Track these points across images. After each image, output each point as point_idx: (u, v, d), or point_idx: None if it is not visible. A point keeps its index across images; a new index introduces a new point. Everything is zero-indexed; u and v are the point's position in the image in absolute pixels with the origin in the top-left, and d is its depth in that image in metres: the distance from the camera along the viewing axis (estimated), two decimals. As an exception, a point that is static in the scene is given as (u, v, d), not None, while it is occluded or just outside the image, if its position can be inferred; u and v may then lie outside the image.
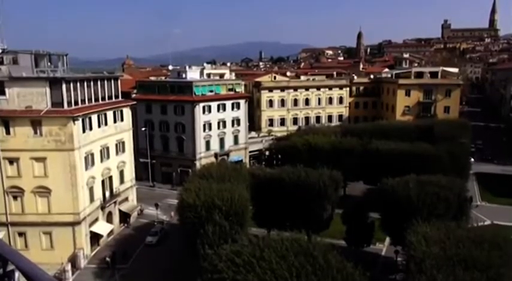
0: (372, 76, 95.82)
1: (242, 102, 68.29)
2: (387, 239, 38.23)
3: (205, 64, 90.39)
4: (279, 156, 52.30)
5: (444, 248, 22.47)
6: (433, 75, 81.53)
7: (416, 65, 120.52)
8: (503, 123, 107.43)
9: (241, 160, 65.26)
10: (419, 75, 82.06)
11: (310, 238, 26.25)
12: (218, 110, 64.48)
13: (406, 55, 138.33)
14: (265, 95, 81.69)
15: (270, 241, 23.35)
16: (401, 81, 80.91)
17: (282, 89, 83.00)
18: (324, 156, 47.23)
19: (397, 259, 34.34)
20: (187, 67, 69.84)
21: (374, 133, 55.52)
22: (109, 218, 45.25)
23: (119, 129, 46.83)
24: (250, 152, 70.41)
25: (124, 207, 48.09)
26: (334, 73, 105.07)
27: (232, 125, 66.97)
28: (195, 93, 61.86)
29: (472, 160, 60.57)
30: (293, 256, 21.19)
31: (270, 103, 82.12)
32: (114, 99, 46.83)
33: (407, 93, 79.45)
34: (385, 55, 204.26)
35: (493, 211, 47.88)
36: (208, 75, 72.25)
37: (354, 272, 20.32)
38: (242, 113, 68.23)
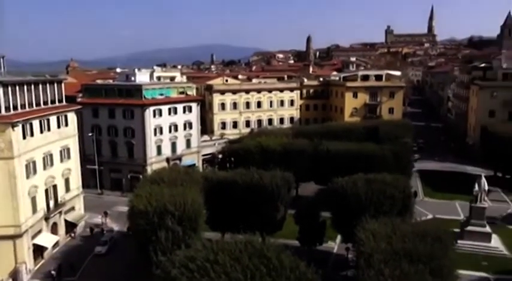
0: (321, 79, 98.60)
1: (194, 105, 67.59)
2: (338, 237, 39.37)
3: (155, 67, 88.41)
4: (232, 159, 52.30)
5: (391, 243, 23.52)
6: (378, 78, 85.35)
7: (362, 68, 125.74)
8: (441, 123, 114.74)
9: (194, 164, 64.52)
10: (366, 78, 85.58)
11: (264, 240, 26.43)
12: (169, 113, 63.33)
13: (353, 59, 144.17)
14: (217, 98, 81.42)
15: (224, 245, 23.28)
16: (348, 84, 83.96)
17: (234, 91, 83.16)
18: (276, 158, 47.86)
19: (348, 255, 35.47)
20: (136, 70, 67.99)
21: (324, 134, 57.18)
22: (54, 229, 42.87)
23: (64, 135, 44.60)
24: (203, 155, 69.80)
25: (70, 217, 45.80)
26: (285, 76, 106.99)
27: (184, 129, 66.05)
28: (144, 97, 60.36)
29: (416, 156, 64.20)
30: (247, 258, 21.26)
31: (222, 106, 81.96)
32: (57, 104, 44.57)
33: (355, 96, 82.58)
34: (334, 59, 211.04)
35: (435, 205, 50.85)
36: (159, 78, 70.80)
37: (306, 271, 20.75)
38: (194, 116, 67.51)
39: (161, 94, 63.52)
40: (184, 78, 79.50)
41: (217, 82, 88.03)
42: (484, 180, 40.60)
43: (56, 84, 44.76)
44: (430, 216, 46.57)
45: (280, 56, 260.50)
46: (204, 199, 32.31)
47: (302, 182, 52.50)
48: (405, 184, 35.56)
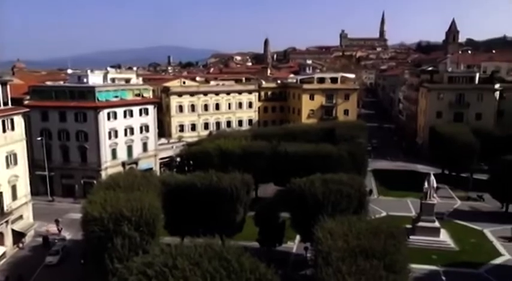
0: (279, 81, 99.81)
1: (150, 107, 66.18)
2: (297, 237, 39.95)
3: (109, 68, 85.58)
4: (191, 162, 51.68)
5: (347, 240, 24.16)
6: (334, 80, 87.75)
7: (318, 71, 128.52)
8: (393, 124, 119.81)
9: (151, 168, 63.12)
10: (322, 80, 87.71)
11: (223, 242, 26.30)
12: (125, 116, 61.58)
13: (309, 62, 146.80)
14: (174, 100, 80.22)
15: (183, 249, 22.89)
16: (305, 86, 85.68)
17: (192, 94, 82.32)
18: (235, 160, 47.88)
19: (307, 254, 36.07)
20: (89, 71, 65.48)
21: (282, 136, 57.98)
22: (0, 240, 40.31)
23: (9, 140, 42.11)
24: (160, 159, 68.45)
25: (18, 226, 43.22)
26: (243, 78, 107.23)
27: (141, 132, 64.48)
28: (98, 99, 58.30)
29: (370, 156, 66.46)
30: (207, 261, 21.05)
31: (180, 108, 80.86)
32: (2, 107, 42.05)
33: (311, 98, 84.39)
34: (291, 61, 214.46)
35: (388, 203, 52.89)
36: (113, 80, 68.57)
37: (266, 272, 20.85)
38: (151, 119, 66.09)
39: (116, 96, 61.65)
40: (140, 80, 77.64)
41: (174, 84, 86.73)
42: (432, 178, 42.76)
43: (0, 86, 42.25)
44: (384, 213, 48.39)
45: (238, 58, 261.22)
46: (162, 203, 31.66)
47: (261, 184, 52.86)
48: (360, 183, 36.74)
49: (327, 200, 32.64)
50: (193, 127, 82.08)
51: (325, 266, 21.61)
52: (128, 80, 71.65)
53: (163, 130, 79.17)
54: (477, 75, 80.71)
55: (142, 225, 27.22)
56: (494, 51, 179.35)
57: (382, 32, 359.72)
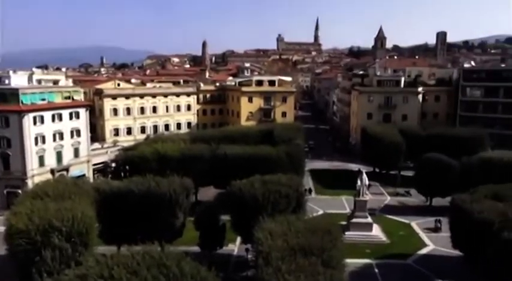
0: (217, 84, 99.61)
1: (82, 111, 62.75)
2: (238, 239, 40.12)
3: (34, 69, 79.72)
4: (127, 167, 49.84)
5: (287, 240, 24.73)
6: (271, 83, 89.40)
7: (256, 73, 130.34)
8: (328, 125, 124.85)
9: (84, 175, 59.84)
10: (260, 83, 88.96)
11: (163, 249, 25.67)
12: (53, 120, 57.78)
13: (247, 64, 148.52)
14: (108, 103, 76.85)
15: (119, 258, 21.99)
16: (244, 89, 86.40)
17: (127, 96, 79.44)
18: (174, 164, 46.96)
19: (248, 256, 36.29)
20: (11, 72, 60.58)
21: (222, 139, 57.90)
22: None
23: None
24: (94, 165, 65.07)
25: None
26: (181, 80, 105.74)
27: (72, 137, 60.85)
28: (22, 102, 54.10)
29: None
30: (145, 269, 20.42)
31: (115, 111, 77.63)
32: None
33: (250, 100, 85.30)
34: (229, 64, 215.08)
35: (324, 201, 54.91)
36: (39, 81, 63.91)
37: (207, 276, 20.72)
38: (83, 123, 62.68)
39: (43, 99, 57.64)
40: (70, 82, 73.14)
41: (108, 86, 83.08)
42: (365, 176, 45.20)
43: None
44: (320, 212, 50.15)
45: (176, 60, 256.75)
46: (97, 212, 30.22)
47: (201, 187, 52.32)
48: (298, 183, 37.79)
49: (266, 200, 33.15)
50: (129, 131, 79.20)
51: (266, 266, 21.92)
52: (56, 82, 67.19)
53: (96, 134, 75.52)
54: (402, 79, 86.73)
55: (74, 235, 25.76)
56: (417, 57, 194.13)
57: (316, 37, 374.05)
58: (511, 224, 27.76)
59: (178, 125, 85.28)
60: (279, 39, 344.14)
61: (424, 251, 40.88)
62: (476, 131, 64.12)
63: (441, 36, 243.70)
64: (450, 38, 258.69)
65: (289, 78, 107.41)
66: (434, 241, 42.61)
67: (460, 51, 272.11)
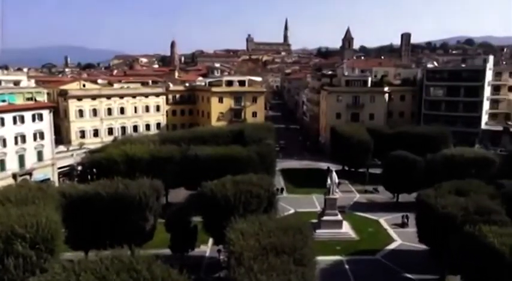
0: (187, 84, 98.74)
1: (45, 113, 60.61)
2: (210, 240, 39.89)
3: (-7, 69, 76.40)
4: (94, 170, 48.47)
5: (259, 239, 24.79)
6: (241, 83, 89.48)
7: (226, 74, 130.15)
8: (299, 125, 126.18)
9: (49, 179, 57.84)
10: (230, 83, 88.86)
11: (132, 252, 25.15)
12: (14, 122, 55.55)
13: (217, 65, 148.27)
14: (73, 105, 74.56)
15: (87, 264, 21.36)
16: (214, 89, 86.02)
17: (94, 97, 77.35)
18: (143, 166, 46.14)
19: (220, 257, 36.15)
20: (-33, 72, 57.79)
21: (192, 139, 57.35)
22: None
23: None
24: (59, 168, 62.98)
25: None
26: (150, 81, 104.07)
27: (35, 140, 58.67)
28: (-19, 104, 51.73)
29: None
30: (114, 274, 19.92)
31: (80, 113, 75.40)
32: None
33: (220, 100, 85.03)
34: (199, 64, 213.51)
35: (295, 200, 55.43)
36: (-1, 82, 61.36)
37: (179, 278, 20.46)
38: (46, 125, 60.54)
39: (3, 100, 55.34)
40: (32, 83, 70.48)
41: (73, 87, 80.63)
42: (334, 174, 45.93)
43: None
44: (292, 210, 50.60)
45: (144, 60, 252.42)
46: (63, 217, 29.17)
47: (172, 189, 51.69)
48: (270, 182, 37.94)
49: (238, 201, 33.10)
50: (96, 133, 77.13)
51: (238, 267, 21.89)
52: (17, 83, 64.58)
53: (61, 137, 73.13)
54: (369, 79, 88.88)
55: (39, 242, 24.75)
56: (383, 57, 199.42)
57: (285, 37, 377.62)
58: (472, 218, 28.96)
59: (148, 126, 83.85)
60: (249, 39, 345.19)
61: (392, 246, 42.04)
62: (439, 129, 66.51)
63: (405, 37, 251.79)
64: (414, 39, 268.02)
65: (259, 79, 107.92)
66: (401, 236, 43.88)
67: (424, 52, 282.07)
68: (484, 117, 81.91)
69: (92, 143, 72.37)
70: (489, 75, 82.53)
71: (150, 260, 21.57)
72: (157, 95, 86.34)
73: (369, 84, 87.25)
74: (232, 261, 23.11)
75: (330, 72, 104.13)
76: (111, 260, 21.34)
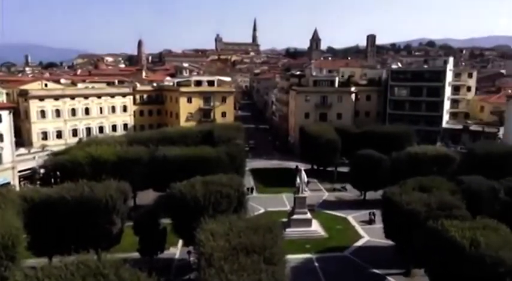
0: (155, 84, 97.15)
1: (5, 113, 57.84)
2: (180, 242, 39.43)
3: None
4: (58, 173, 46.82)
5: (229, 239, 24.76)
6: (210, 83, 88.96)
7: (195, 74, 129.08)
8: (268, 125, 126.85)
9: (9, 182, 55.19)
10: (199, 83, 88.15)
11: (99, 257, 24.51)
12: (-29, 124, 52.76)
13: (185, 64, 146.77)
14: (35, 105, 71.67)
15: (51, 270, 20.63)
16: (182, 89, 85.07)
17: (56, 97, 74.67)
18: (109, 168, 45.00)
19: (190, 258, 35.83)
20: None
21: (160, 140, 56.50)
22: None
23: None
24: (20, 171, 60.24)
25: None
26: (116, 81, 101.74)
27: (-7, 142, 55.96)
28: None
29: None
30: (80, 279, 19.39)
31: (42, 114, 72.55)
32: None
33: (189, 101, 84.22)
34: (166, 64, 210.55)
35: (265, 200, 55.66)
36: (-47, 81, 58.20)
37: (148, 282, 20.13)
38: (5, 126, 57.76)
39: (-42, 101, 52.40)
40: (-11, 82, 67.38)
41: (34, 87, 77.51)
42: (303, 173, 46.51)
43: None
44: (262, 210, 50.79)
45: (110, 59, 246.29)
46: (25, 222, 28.05)
47: (140, 191, 50.68)
48: (239, 182, 37.94)
49: (207, 201, 32.95)
50: (59, 134, 74.48)
51: (208, 268, 21.77)
52: (-27, 82, 61.54)
53: (22, 139, 70.14)
54: (337, 79, 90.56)
55: (-2, 249, 23.68)
56: (349, 58, 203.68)
57: (254, 38, 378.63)
58: (435, 213, 30.09)
59: (114, 127, 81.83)
60: (218, 39, 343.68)
61: (359, 243, 43.01)
62: (403, 128, 68.66)
63: (371, 38, 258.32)
64: (379, 41, 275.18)
65: (228, 79, 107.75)
66: (368, 233, 44.98)
67: (388, 53, 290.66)
68: (445, 117, 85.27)
69: (55, 145, 69.84)
70: (449, 76, 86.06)
71: (117, 264, 21.11)
72: (124, 95, 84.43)
73: (336, 85, 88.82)
74: (203, 262, 22.97)
75: (298, 73, 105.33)
76: (76, 265, 20.73)
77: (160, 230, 36.13)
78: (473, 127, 79.37)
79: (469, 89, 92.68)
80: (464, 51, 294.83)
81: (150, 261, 34.49)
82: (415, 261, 32.75)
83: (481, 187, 37.85)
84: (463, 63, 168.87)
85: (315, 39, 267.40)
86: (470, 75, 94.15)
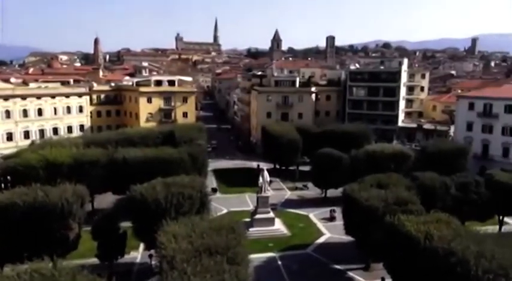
0: (113, 84, 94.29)
1: None
2: (141, 246, 38.55)
3: None
4: (8, 178, 44.31)
5: (191, 241, 24.48)
6: (171, 83, 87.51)
7: (155, 73, 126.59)
8: (230, 125, 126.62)
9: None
10: (159, 83, 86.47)
11: (55, 264, 23.44)
12: None
13: (145, 64, 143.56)
14: (-18, 106, 67.49)
15: (2, 280, 19.57)
16: (142, 89, 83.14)
17: (6, 98, 70.62)
18: (65, 171, 43.24)
19: (151, 262, 35.12)
20: None
21: (120, 142, 54.93)
22: None
23: None
24: (-34, 176, 56.56)
25: None
26: (71, 80, 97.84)
27: None
28: None
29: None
30: (34, 289, 18.47)
31: (-9, 115, 68.50)
32: None
33: (149, 101, 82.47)
34: (125, 63, 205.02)
35: (228, 200, 55.60)
36: None
37: (107, 288, 19.52)
38: (-51, 128, 54.14)
39: None
40: None
41: (-19, 86, 73.00)
42: (266, 173, 46.82)
43: None
44: (225, 210, 50.67)
45: (64, 57, 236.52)
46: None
47: (98, 194, 49.03)
48: (202, 183, 37.59)
49: (169, 203, 32.41)
50: (10, 136, 70.53)
51: (171, 271, 21.43)
52: None
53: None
54: (298, 79, 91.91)
55: None
56: (310, 58, 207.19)
57: (215, 37, 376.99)
58: (392, 208, 31.24)
59: (69, 129, 78.64)
60: (178, 38, 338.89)
61: (321, 240, 43.91)
62: (361, 127, 70.65)
63: (330, 40, 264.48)
64: (338, 42, 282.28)
65: (189, 78, 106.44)
66: (330, 230, 46.00)
67: (347, 54, 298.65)
68: (401, 116, 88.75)
69: (5, 148, 66.14)
70: (404, 76, 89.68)
71: (74, 271, 20.38)
72: (79, 95, 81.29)
73: (297, 85, 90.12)
74: (165, 265, 22.56)
75: (259, 73, 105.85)
76: (30, 274, 19.79)
77: (120, 234, 35.12)
78: (426, 126, 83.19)
79: (422, 89, 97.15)
80: (417, 53, 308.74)
81: (109, 266, 33.51)
82: (374, 255, 33.87)
83: (434, 182, 39.81)
84: (417, 65, 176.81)
85: (276, 40, 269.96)
86: (423, 76, 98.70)
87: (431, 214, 29.30)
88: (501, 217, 44.83)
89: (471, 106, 69.70)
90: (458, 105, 73.39)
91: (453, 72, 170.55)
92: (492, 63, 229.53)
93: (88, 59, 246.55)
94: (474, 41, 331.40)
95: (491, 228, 41.00)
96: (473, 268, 21.16)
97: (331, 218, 48.95)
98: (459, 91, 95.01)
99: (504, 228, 44.89)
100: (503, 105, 65.38)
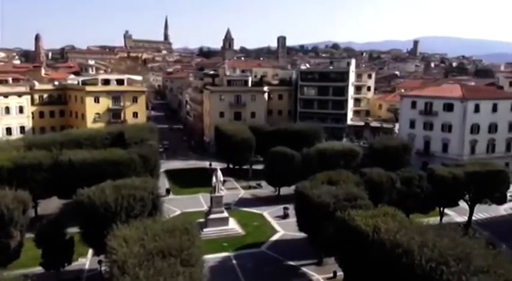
0: (56, 83, 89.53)
1: None
2: (90, 252, 37.02)
3: None
4: None
5: (143, 244, 23.86)
6: (120, 82, 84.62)
7: (102, 72, 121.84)
8: (182, 125, 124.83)
9: None
10: (107, 82, 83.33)
11: (-6, 275, 21.92)
12: None
13: (91, 62, 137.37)
14: None
15: None
16: (88, 88, 79.71)
17: None
18: (5, 175, 40.45)
19: (101, 268, 33.79)
20: None
21: (65, 143, 52.33)
22: None
23: None
24: None
25: None
26: (10, 79, 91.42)
27: None
28: None
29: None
30: (-30, 303, 17.16)
31: None
32: None
33: (96, 100, 79.27)
34: (70, 61, 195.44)
35: (182, 201, 54.81)
36: None
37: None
38: None
39: None
40: None
41: None
42: (219, 172, 46.64)
43: None
44: (178, 212, 49.88)
45: (2, 54, 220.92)
46: None
47: (42, 199, 46.41)
48: (154, 185, 36.68)
49: (119, 206, 31.36)
50: None
51: (122, 276, 20.77)
52: None
53: None
54: (250, 79, 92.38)
55: None
56: (262, 58, 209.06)
57: (166, 36, 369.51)
58: (342, 204, 32.33)
59: (9, 130, 73.81)
60: (127, 36, 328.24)
61: (275, 237, 44.50)
62: (313, 125, 72.43)
63: (281, 40, 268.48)
64: (289, 42, 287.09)
65: (139, 77, 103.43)
66: (283, 227, 46.72)
67: (298, 54, 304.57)
68: (349, 114, 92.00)
69: None
70: (352, 76, 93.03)
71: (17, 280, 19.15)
72: (19, 94, 76.47)
73: (250, 84, 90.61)
74: (115, 270, 21.81)
75: (212, 72, 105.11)
76: (-36, 287, 18.32)
77: (67, 240, 33.48)
78: (373, 124, 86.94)
79: (369, 88, 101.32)
80: (364, 54, 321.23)
81: (56, 274, 31.90)
82: (326, 250, 34.86)
83: (381, 178, 41.65)
84: (364, 65, 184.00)
85: (228, 39, 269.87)
86: (369, 76, 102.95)
87: (378, 208, 30.57)
88: (442, 209, 47.86)
89: (413, 105, 73.56)
90: (402, 104, 77.24)
91: (397, 72, 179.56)
92: (432, 64, 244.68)
93: (28, 57, 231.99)
94: (416, 43, 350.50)
95: (433, 219, 43.52)
96: (417, 257, 22.35)
97: (285, 216, 49.71)
98: (402, 90, 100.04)
99: (444, 219, 47.91)
100: (442, 104, 69.67)
